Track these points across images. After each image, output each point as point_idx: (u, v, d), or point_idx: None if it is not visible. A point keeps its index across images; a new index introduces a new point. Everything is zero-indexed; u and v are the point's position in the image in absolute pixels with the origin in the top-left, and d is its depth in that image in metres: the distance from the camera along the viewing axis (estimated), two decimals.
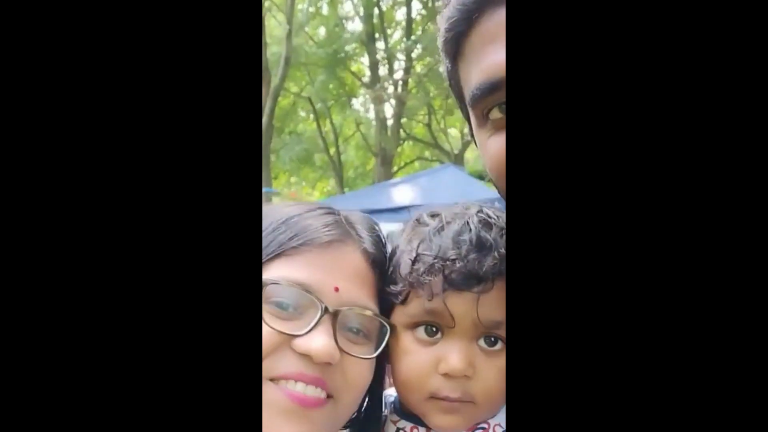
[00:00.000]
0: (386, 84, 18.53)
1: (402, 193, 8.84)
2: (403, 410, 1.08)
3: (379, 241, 0.98)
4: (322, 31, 18.79)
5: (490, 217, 1.01)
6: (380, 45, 18.24)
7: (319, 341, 0.85)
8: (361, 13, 17.79)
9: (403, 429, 1.06)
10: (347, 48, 18.29)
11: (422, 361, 0.97)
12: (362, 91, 19.51)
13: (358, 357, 0.91)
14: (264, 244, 0.88)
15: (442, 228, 1.00)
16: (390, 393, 1.13)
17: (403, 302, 0.98)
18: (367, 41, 17.56)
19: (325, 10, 18.75)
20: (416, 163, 20.83)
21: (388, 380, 1.09)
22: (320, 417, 0.88)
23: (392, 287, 1.00)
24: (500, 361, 0.98)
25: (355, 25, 18.73)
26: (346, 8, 18.94)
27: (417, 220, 1.05)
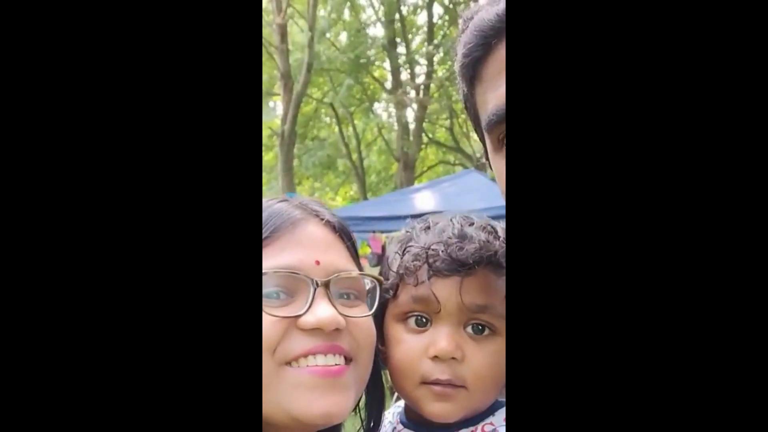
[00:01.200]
0: (408, 89, 18.56)
1: (424, 199, 8.82)
2: (409, 420, 1.12)
3: (329, 211, 1.03)
4: (343, 37, 18.88)
5: (472, 217, 1.10)
6: (402, 50, 18.28)
7: (323, 311, 0.88)
8: (383, 19, 17.85)
9: None
10: (369, 53, 18.36)
11: (413, 347, 1.03)
12: (384, 96, 19.55)
13: (359, 317, 0.95)
14: None
15: (428, 228, 1.10)
16: (398, 404, 1.18)
17: (394, 296, 1.06)
18: (389, 46, 17.61)
19: (346, 16, 18.85)
20: (439, 167, 20.80)
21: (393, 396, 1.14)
22: (347, 381, 0.91)
23: (386, 282, 1.06)
24: (489, 347, 1.03)
25: (377, 31, 18.79)
26: (368, 14, 19.01)
27: (407, 229, 1.13)
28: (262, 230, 0.91)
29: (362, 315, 0.96)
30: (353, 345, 0.93)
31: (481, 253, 1.02)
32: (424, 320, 1.04)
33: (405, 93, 17.59)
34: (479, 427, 1.05)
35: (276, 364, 0.87)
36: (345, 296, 0.96)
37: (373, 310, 1.00)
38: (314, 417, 0.87)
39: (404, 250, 1.07)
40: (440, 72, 18.41)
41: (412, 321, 1.04)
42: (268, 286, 0.89)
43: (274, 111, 19.40)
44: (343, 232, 1.01)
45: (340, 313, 0.90)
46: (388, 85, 19.15)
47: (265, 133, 18.34)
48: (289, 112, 15.01)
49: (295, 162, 17.44)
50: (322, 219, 0.98)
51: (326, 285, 0.91)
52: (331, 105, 18.86)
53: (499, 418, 1.05)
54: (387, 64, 19.22)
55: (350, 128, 19.55)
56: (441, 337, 1.01)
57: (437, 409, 1.02)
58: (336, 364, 0.89)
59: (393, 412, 1.19)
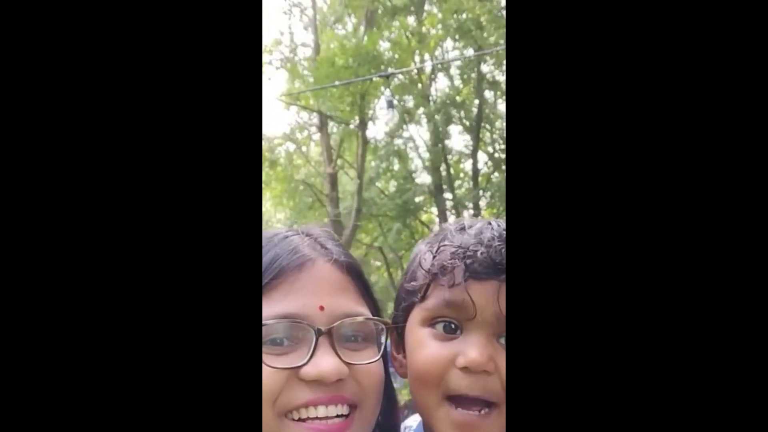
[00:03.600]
0: None
1: None
2: None
3: (343, 248, 0.98)
4: (392, 184, 19.59)
5: None
6: (448, 195, 18.76)
7: (324, 363, 0.84)
8: (429, 167, 18.55)
9: None
10: (417, 199, 18.90)
11: (439, 354, 0.93)
12: None
13: (365, 364, 0.89)
14: None
15: (463, 228, 1.00)
16: (410, 424, 1.08)
17: (423, 298, 0.96)
18: (436, 192, 18.14)
19: (395, 166, 19.68)
20: None
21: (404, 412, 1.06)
22: None
23: (412, 284, 0.98)
24: None
25: (425, 178, 19.46)
26: (416, 163, 19.82)
27: (441, 228, 1.06)
28: (267, 273, 0.87)
29: (369, 361, 0.91)
30: (358, 392, 0.89)
31: None
32: (453, 326, 0.94)
33: None
34: None
35: (276, 415, 0.84)
36: (352, 339, 0.92)
37: (379, 355, 0.94)
38: None
39: (438, 248, 0.97)
40: (487, 215, 18.68)
41: (440, 326, 0.95)
42: (271, 334, 0.85)
43: None
44: (352, 271, 0.96)
45: (345, 361, 0.86)
46: (436, 228, 19.44)
47: None
48: None
49: None
50: (332, 259, 0.93)
51: (329, 333, 0.87)
52: (380, 249, 19.18)
53: None
54: (434, 209, 19.66)
55: (399, 272, 19.65)
56: (472, 347, 0.91)
57: None
58: (338, 415, 0.86)
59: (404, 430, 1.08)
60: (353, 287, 0.95)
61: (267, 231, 0.97)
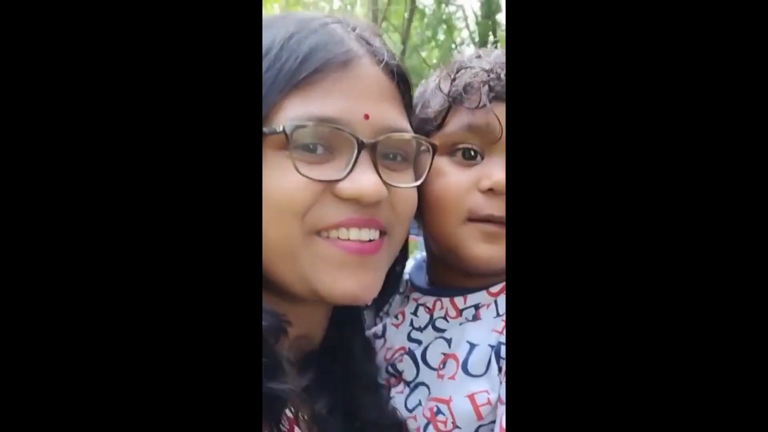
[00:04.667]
0: None
1: None
2: (430, 283, 1.01)
3: (389, 49, 0.85)
4: (435, 54, 19.06)
5: None
6: None
7: (365, 181, 0.75)
8: (477, 40, 17.91)
9: (424, 304, 0.99)
10: None
11: (461, 179, 0.90)
12: None
13: (404, 187, 0.82)
14: (267, 75, 0.74)
15: (480, 56, 0.95)
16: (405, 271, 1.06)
17: (440, 126, 0.91)
18: None
19: (441, 36, 19.03)
20: None
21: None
22: (379, 259, 0.81)
23: (427, 111, 0.92)
24: None
25: (470, 51, 18.89)
26: (463, 35, 19.12)
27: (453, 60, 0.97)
28: (305, 65, 0.74)
29: (408, 185, 0.83)
30: (391, 218, 0.81)
31: None
32: (473, 153, 0.90)
33: None
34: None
35: (304, 231, 0.75)
36: (391, 157, 0.82)
37: (422, 179, 0.85)
38: (339, 296, 0.78)
39: (457, 71, 0.91)
40: None
41: (459, 154, 0.90)
42: (305, 138, 0.74)
43: None
44: (401, 78, 0.83)
45: (384, 182, 0.77)
46: None
47: None
48: None
49: None
50: (381, 60, 0.80)
51: (373, 147, 0.76)
52: None
53: None
54: None
55: None
56: (497, 168, 0.87)
57: (485, 251, 0.88)
58: (370, 240, 0.78)
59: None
60: (399, 97, 0.83)
61: (298, 13, 0.86)
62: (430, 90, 0.95)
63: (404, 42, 15.29)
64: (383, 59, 0.80)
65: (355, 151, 0.75)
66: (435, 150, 0.86)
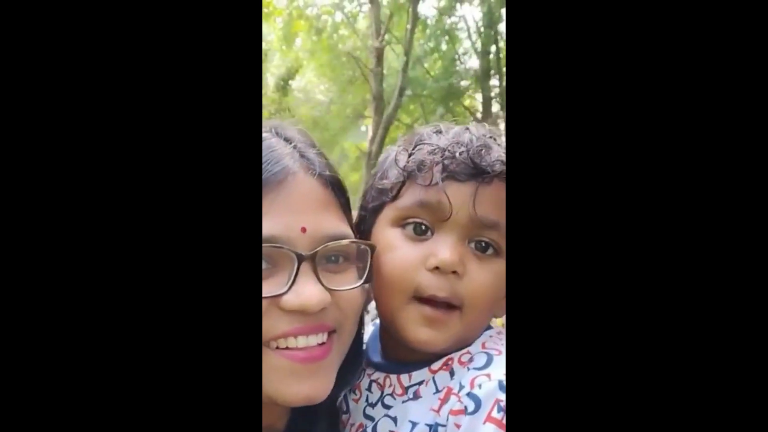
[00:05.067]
0: (498, 120, 18.50)
1: None
2: (384, 358, 1.04)
3: (323, 157, 0.88)
4: (438, 65, 19.11)
5: (491, 129, 0.99)
6: (495, 82, 18.28)
7: (307, 293, 0.78)
8: (479, 50, 17.95)
9: (376, 380, 1.02)
10: (462, 83, 18.49)
11: (409, 255, 0.92)
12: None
13: (347, 289, 0.85)
14: None
15: (440, 131, 0.99)
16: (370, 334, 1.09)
17: (395, 197, 0.95)
18: (483, 78, 17.66)
19: (444, 47, 19.09)
20: None
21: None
22: (329, 361, 0.85)
23: (384, 182, 0.96)
24: (491, 267, 0.91)
25: (473, 63, 18.91)
26: (465, 45, 19.18)
27: (414, 132, 1.02)
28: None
29: (351, 286, 0.86)
30: (339, 317, 0.85)
31: (501, 165, 0.90)
32: (424, 227, 0.93)
33: (495, 124, 17.55)
34: (455, 357, 0.93)
35: None
36: (333, 259, 0.86)
37: (363, 280, 0.88)
38: (293, 401, 0.82)
39: (414, 146, 0.95)
40: None
41: (410, 228, 0.94)
42: None
43: (365, 134, 19.82)
44: (336, 186, 0.88)
45: (326, 288, 0.81)
46: (479, 115, 19.14)
47: (354, 154, 18.68)
48: (377, 134, 15.29)
49: None
50: (314, 172, 0.85)
51: (312, 257, 0.80)
52: None
53: (477, 345, 0.93)
54: (479, 96, 19.25)
55: None
56: (444, 247, 0.90)
57: (424, 335, 0.92)
58: (320, 344, 0.83)
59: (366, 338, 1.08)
60: (335, 203, 0.88)
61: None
62: (389, 161, 0.99)
63: (407, 54, 15.33)
64: (316, 171, 0.85)
65: (296, 265, 0.78)
66: (373, 249, 0.90)
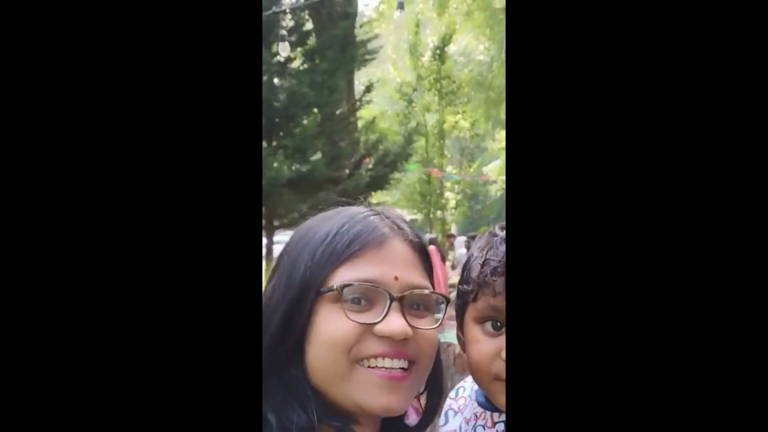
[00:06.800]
0: None
1: None
2: (487, 401, 1.27)
3: (413, 229, 1.16)
4: None
5: None
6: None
7: (394, 323, 1.01)
8: None
9: (475, 413, 1.27)
10: None
11: (487, 349, 1.15)
12: None
13: (424, 329, 1.11)
14: (326, 251, 1.06)
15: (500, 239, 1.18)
16: (463, 385, 1.33)
17: (474, 300, 1.18)
18: None
19: None
20: None
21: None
22: (407, 385, 1.05)
23: (465, 287, 1.20)
24: None
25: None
26: None
27: (490, 232, 1.23)
28: (353, 245, 1.05)
29: (428, 327, 1.08)
30: (417, 351, 1.06)
31: None
32: (499, 324, 1.13)
33: None
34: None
35: (350, 361, 1.01)
36: (416, 307, 1.07)
37: (439, 323, 1.10)
38: (377, 410, 1.02)
39: (484, 261, 1.16)
40: None
41: (488, 325, 1.14)
42: (353, 293, 1.02)
43: None
44: (422, 252, 1.13)
45: (410, 324, 1.02)
46: None
47: None
48: None
49: None
50: (406, 238, 1.10)
51: (401, 299, 1.03)
52: None
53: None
54: None
55: None
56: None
57: (502, 399, 1.16)
58: (400, 368, 1.03)
59: (468, 389, 1.35)
60: (420, 264, 1.12)
61: (350, 209, 1.18)
62: (468, 268, 1.21)
63: None
64: (408, 237, 1.10)
65: (388, 303, 1.02)
66: (448, 302, 1.13)
